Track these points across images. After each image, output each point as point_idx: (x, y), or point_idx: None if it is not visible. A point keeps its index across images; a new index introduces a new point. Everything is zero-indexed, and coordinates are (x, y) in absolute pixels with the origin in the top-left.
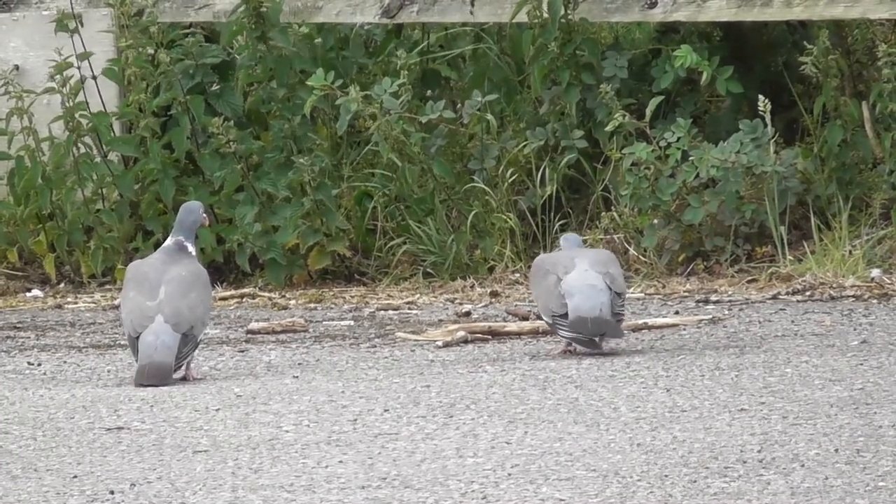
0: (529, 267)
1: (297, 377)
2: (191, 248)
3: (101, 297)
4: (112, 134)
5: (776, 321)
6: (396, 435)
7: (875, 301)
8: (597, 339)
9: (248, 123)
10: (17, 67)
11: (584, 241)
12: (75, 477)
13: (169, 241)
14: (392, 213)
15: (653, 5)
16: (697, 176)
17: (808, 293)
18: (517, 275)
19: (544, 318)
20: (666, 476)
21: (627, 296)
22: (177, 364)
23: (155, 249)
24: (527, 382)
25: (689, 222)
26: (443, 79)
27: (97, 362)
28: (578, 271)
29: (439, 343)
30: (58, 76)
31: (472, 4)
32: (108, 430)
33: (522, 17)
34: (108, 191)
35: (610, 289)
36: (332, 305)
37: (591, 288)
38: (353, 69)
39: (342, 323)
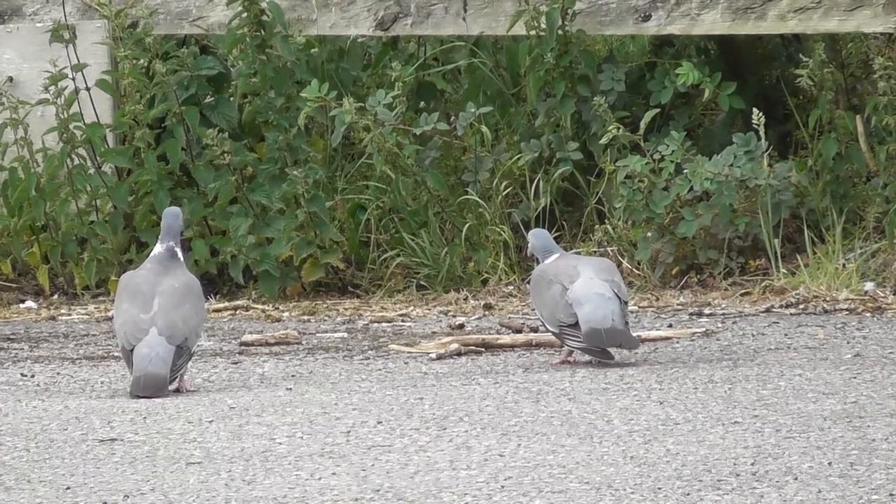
0: (524, 279)
1: (290, 389)
2: (181, 255)
3: (95, 308)
4: (106, 145)
5: (769, 334)
6: (390, 447)
7: (868, 314)
8: (610, 349)
9: (242, 135)
10: (10, 79)
11: (578, 254)
12: (68, 489)
13: (160, 248)
14: (386, 226)
15: (647, 18)
16: (691, 189)
17: (801, 306)
18: (511, 287)
19: (549, 328)
20: (659, 489)
21: None
22: (171, 376)
23: None
24: (520, 395)
25: (683, 235)
26: (437, 91)
27: (91, 374)
28: (584, 279)
29: (433, 355)
30: (52, 87)
31: (465, 10)
32: (102, 441)
33: (517, 30)
34: (102, 202)
35: (618, 297)
36: (326, 317)
37: (600, 297)
38: (348, 81)
39: (336, 335)
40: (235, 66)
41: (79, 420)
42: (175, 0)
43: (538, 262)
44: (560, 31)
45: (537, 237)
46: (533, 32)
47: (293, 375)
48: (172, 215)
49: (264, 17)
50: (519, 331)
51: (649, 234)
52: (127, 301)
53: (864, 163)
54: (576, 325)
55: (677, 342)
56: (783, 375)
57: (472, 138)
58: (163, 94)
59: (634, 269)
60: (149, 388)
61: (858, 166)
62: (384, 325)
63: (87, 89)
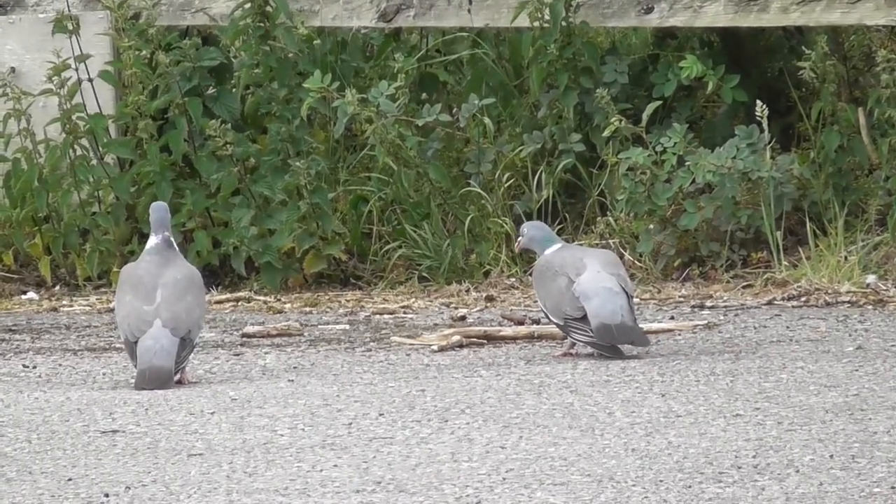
0: (526, 271)
1: (292, 381)
2: (176, 245)
3: (97, 299)
4: (108, 136)
5: (771, 327)
6: (391, 439)
7: (870, 307)
8: (620, 346)
9: (244, 126)
10: (13, 70)
11: (580, 246)
12: (70, 480)
13: (156, 240)
14: (388, 218)
15: (649, 10)
16: (693, 181)
17: (803, 299)
18: (513, 279)
19: (553, 319)
20: (661, 481)
21: None
22: (176, 368)
23: None
24: (522, 387)
25: (685, 228)
26: (440, 83)
27: (92, 365)
28: (591, 273)
29: (434, 347)
30: (55, 78)
31: (471, 2)
32: (103, 432)
33: (519, 22)
34: (105, 193)
35: (625, 291)
36: (328, 309)
37: (608, 291)
38: (350, 73)
39: (337, 327)
40: (237, 58)
41: (80, 411)
42: None
43: (537, 255)
44: (563, 23)
45: (537, 228)
46: (536, 24)
47: (295, 367)
48: (162, 209)
49: (268, 8)
50: (521, 323)
51: (651, 226)
52: (129, 293)
53: (867, 155)
54: (583, 318)
55: (679, 335)
56: (785, 368)
57: (475, 130)
58: (165, 85)
59: (636, 262)
60: (154, 380)
61: (860, 159)
62: (386, 316)
63: (90, 80)
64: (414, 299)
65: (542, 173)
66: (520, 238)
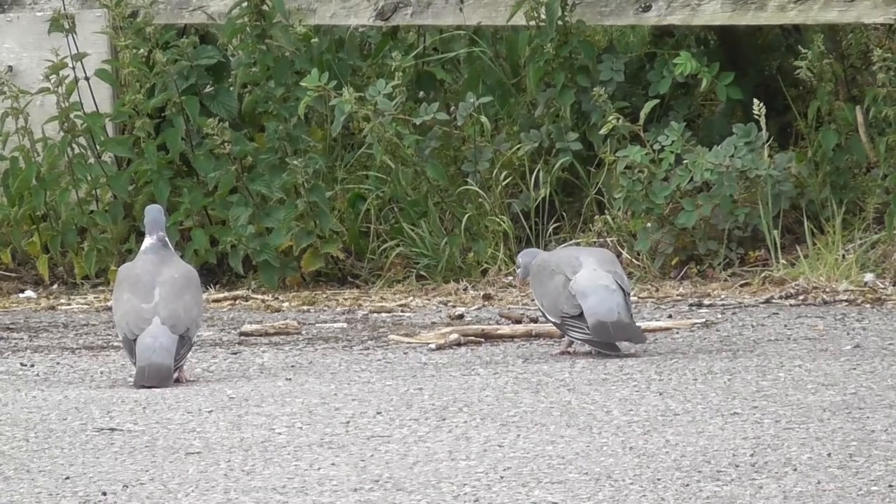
0: None
1: (289, 379)
2: (171, 245)
3: (95, 298)
4: (106, 135)
5: (769, 325)
6: (389, 437)
7: (868, 306)
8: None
9: (242, 125)
10: (10, 68)
11: (577, 245)
12: (68, 478)
13: (152, 240)
14: (385, 216)
15: (647, 9)
16: (691, 180)
17: (801, 297)
18: (510, 278)
19: (551, 318)
20: (658, 480)
21: None
22: (174, 366)
23: None
24: (519, 385)
25: (683, 226)
26: (437, 81)
27: (90, 364)
28: (587, 270)
29: (432, 346)
30: (52, 77)
31: (462, 1)
32: (101, 431)
33: (516, 20)
34: (102, 192)
35: (622, 288)
36: (325, 308)
37: (605, 289)
38: (347, 71)
39: (335, 325)
40: (235, 56)
41: (78, 410)
42: None
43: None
44: (560, 22)
45: (529, 255)
46: (533, 23)
47: (292, 366)
48: (156, 210)
49: (264, 7)
50: (518, 321)
51: (649, 224)
52: (127, 291)
53: (864, 154)
54: (579, 316)
55: (677, 333)
56: (783, 366)
57: (472, 128)
58: (163, 83)
59: (634, 260)
60: (154, 377)
61: (858, 157)
62: (384, 315)
63: (87, 79)
64: (411, 298)
65: (539, 172)
66: (517, 270)
